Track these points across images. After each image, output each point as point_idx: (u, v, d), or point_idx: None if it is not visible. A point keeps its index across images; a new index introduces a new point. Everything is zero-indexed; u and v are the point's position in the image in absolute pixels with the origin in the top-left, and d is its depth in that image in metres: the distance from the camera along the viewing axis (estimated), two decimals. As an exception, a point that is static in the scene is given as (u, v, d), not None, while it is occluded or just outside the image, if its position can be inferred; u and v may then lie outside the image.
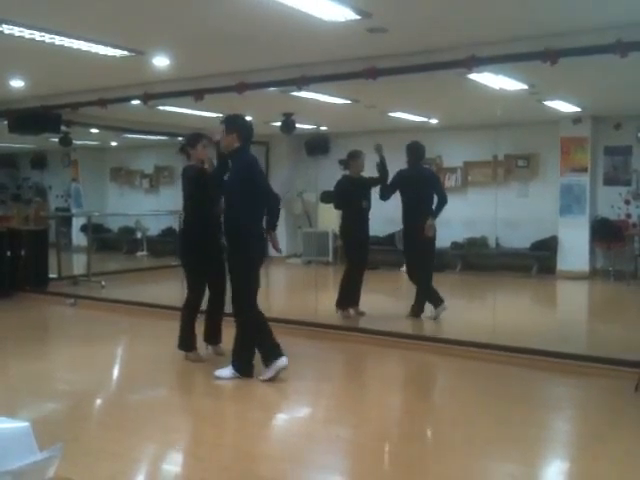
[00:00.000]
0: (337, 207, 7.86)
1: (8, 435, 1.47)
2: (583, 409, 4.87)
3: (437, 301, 7.35)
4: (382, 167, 7.45)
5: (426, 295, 7.41)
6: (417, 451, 4.06)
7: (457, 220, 12.03)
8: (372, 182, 7.62)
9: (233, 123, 5.18)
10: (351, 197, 7.54)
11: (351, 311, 7.61)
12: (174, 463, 3.74)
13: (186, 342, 5.72)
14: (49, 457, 1.46)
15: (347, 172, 7.72)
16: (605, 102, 9.54)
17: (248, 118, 9.50)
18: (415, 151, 7.50)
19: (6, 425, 1.51)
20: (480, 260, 11.95)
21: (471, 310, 8.84)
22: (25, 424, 1.51)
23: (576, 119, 10.70)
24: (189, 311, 5.74)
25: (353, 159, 7.63)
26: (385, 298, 7.65)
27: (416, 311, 7.46)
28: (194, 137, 5.69)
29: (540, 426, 4.36)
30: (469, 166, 12.31)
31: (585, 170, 11.07)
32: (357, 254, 7.67)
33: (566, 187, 11.17)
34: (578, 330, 7.58)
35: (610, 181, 11.30)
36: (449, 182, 12.49)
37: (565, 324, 7.90)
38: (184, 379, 5.49)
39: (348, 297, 7.60)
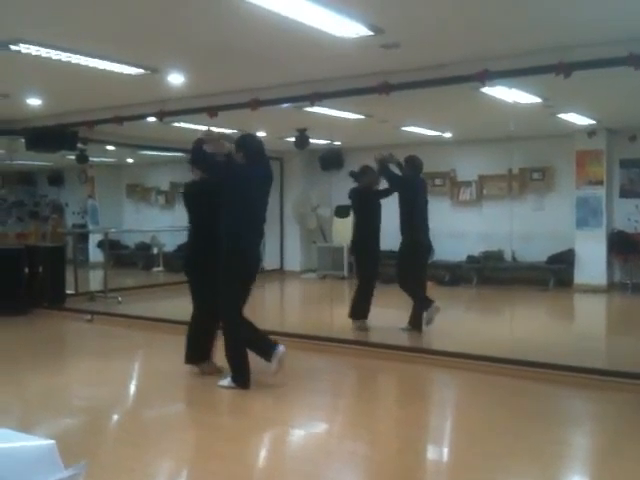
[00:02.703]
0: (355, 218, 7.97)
1: (34, 453, 1.48)
2: (601, 424, 4.81)
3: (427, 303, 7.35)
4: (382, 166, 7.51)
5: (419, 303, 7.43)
6: (434, 467, 4.04)
7: (472, 234, 12.03)
8: (382, 194, 7.72)
9: (240, 142, 5.49)
10: (362, 210, 7.62)
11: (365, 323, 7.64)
12: (189, 479, 3.74)
13: (200, 353, 5.77)
14: (74, 474, 1.47)
15: (356, 185, 7.80)
16: (620, 114, 9.50)
17: (262, 134, 9.65)
18: (416, 164, 7.54)
19: (32, 443, 1.53)
20: (496, 274, 11.90)
21: (488, 324, 8.80)
22: (51, 442, 1.52)
23: (591, 132, 10.65)
24: (196, 324, 5.79)
25: (365, 175, 7.70)
26: (399, 312, 7.62)
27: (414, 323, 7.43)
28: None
29: (558, 441, 4.31)
30: (484, 180, 12.28)
31: (601, 183, 11.02)
32: (369, 267, 7.72)
33: (582, 200, 11.12)
34: (596, 344, 7.50)
35: (626, 193, 11.24)
36: (464, 196, 12.49)
37: (583, 338, 7.82)
38: (199, 395, 5.49)
39: (362, 309, 7.64)
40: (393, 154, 7.60)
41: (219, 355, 5.68)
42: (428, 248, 7.57)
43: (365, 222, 7.69)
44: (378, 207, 7.70)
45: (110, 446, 4.28)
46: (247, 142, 5.52)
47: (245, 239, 5.35)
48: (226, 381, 5.37)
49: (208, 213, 5.50)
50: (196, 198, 5.72)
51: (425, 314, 7.28)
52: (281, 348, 5.33)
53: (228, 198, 5.29)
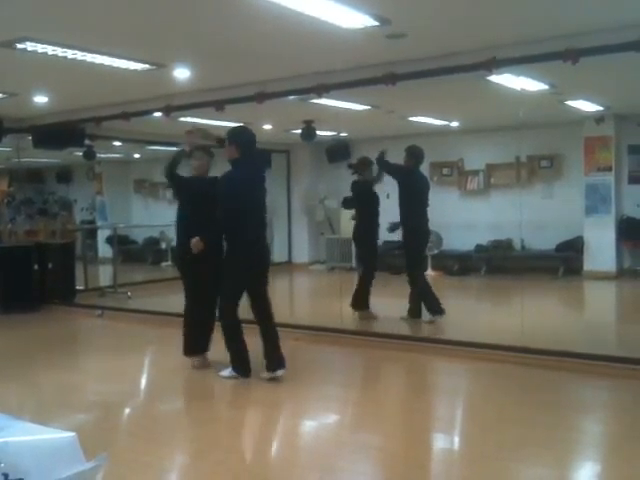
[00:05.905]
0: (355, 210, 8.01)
1: (56, 445, 1.50)
2: (614, 411, 4.81)
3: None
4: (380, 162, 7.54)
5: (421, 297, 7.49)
6: (447, 457, 4.04)
7: (481, 223, 12.00)
8: (375, 179, 7.78)
9: (232, 135, 5.41)
10: (362, 203, 7.67)
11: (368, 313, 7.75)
12: (204, 472, 3.76)
13: (189, 347, 5.84)
14: (95, 466, 1.49)
15: (356, 178, 7.84)
16: (628, 100, 9.44)
17: (268, 127, 9.64)
18: (418, 154, 7.52)
19: (54, 435, 1.54)
20: (505, 263, 11.85)
21: (497, 313, 8.79)
22: (71, 434, 1.53)
23: (599, 118, 10.57)
24: (189, 317, 5.87)
25: (363, 166, 7.74)
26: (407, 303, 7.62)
27: (414, 313, 7.52)
28: (192, 150, 5.84)
29: (571, 429, 4.31)
30: (491, 168, 12.24)
31: (609, 169, 10.96)
32: (369, 258, 7.82)
33: (591, 187, 11.07)
34: (607, 331, 7.49)
35: (635, 180, 11.19)
36: (471, 185, 12.45)
37: (593, 325, 7.81)
38: (212, 389, 5.51)
39: (365, 300, 7.74)
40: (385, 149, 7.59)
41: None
42: (427, 234, 7.63)
43: (363, 214, 7.74)
44: (376, 199, 7.76)
45: (125, 441, 4.30)
46: (239, 135, 5.46)
47: (247, 233, 5.30)
48: (227, 371, 5.43)
49: (201, 207, 5.54)
50: (190, 192, 5.72)
51: (430, 317, 7.39)
52: (279, 372, 5.31)
53: (225, 205, 5.31)
